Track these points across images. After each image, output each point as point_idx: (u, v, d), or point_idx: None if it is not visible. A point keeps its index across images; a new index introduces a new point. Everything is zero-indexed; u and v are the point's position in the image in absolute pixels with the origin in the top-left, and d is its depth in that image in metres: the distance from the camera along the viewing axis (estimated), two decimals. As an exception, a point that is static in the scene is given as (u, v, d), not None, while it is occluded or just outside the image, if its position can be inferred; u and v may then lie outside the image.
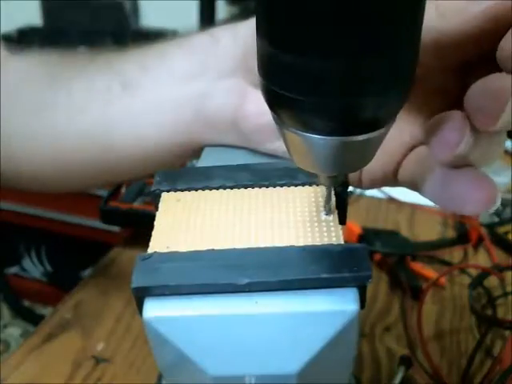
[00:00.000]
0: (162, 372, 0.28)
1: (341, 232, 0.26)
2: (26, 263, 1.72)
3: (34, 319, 1.62)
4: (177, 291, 0.24)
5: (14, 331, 1.64)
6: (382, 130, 0.22)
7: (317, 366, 0.25)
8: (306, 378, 0.25)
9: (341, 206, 0.29)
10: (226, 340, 0.24)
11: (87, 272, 1.38)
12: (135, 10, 1.74)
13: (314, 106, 0.20)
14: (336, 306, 0.24)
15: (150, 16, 1.75)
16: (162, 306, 0.24)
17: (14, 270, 1.72)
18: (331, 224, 0.27)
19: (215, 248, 0.26)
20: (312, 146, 0.22)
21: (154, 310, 0.24)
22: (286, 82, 0.20)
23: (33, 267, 1.71)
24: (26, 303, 1.70)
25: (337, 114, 0.20)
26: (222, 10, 1.57)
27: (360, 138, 0.21)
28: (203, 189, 0.30)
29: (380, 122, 0.21)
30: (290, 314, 0.24)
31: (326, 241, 0.26)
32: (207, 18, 1.34)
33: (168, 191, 0.30)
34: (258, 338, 0.24)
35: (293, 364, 0.24)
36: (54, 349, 0.54)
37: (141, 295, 0.25)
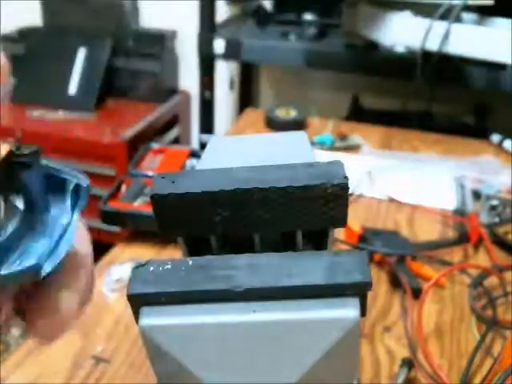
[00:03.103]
0: (159, 380, 0.28)
1: None
2: (26, 263, 1.72)
3: (34, 319, 1.62)
4: (173, 299, 0.24)
5: (13, 331, 1.64)
6: None
7: (317, 374, 0.24)
8: None
9: (341, 207, 0.29)
10: (222, 349, 0.24)
11: (87, 272, 1.37)
12: (135, 10, 1.74)
13: None
14: (336, 314, 0.23)
15: (150, 16, 1.75)
16: (158, 314, 0.24)
17: (14, 270, 1.72)
18: None
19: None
20: None
21: (151, 318, 0.24)
22: None
23: (33, 267, 1.71)
24: (26, 303, 1.70)
25: None
26: (221, 10, 1.57)
27: None
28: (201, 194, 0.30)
29: None
30: (289, 322, 0.23)
31: None
32: (207, 18, 1.34)
33: (165, 196, 0.29)
34: (256, 346, 0.24)
35: (292, 373, 0.24)
36: (54, 349, 0.54)
37: (137, 303, 0.24)
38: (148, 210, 0.67)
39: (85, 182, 0.23)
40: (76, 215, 0.23)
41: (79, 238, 0.24)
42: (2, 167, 0.22)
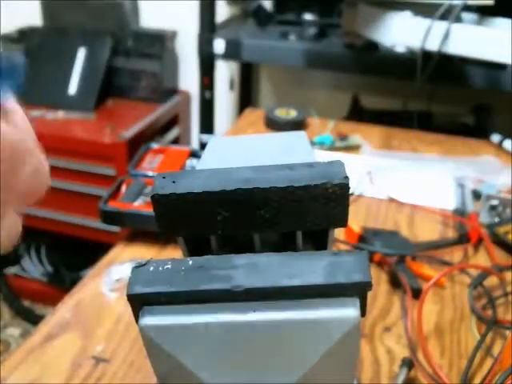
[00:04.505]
0: (159, 380, 0.28)
1: None
2: (26, 263, 1.72)
3: (34, 319, 1.62)
4: (173, 299, 0.24)
5: (14, 331, 1.64)
6: None
7: (318, 374, 0.24)
8: None
9: (342, 207, 0.28)
10: (223, 349, 0.24)
11: (87, 272, 1.38)
12: (135, 10, 1.74)
13: None
14: (336, 314, 0.23)
15: (150, 16, 1.75)
16: (158, 314, 0.24)
17: (14, 270, 1.72)
18: None
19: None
20: None
21: (151, 318, 0.24)
22: None
23: (33, 267, 1.71)
24: (26, 303, 1.70)
25: None
26: (221, 10, 1.57)
27: None
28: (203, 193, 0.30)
29: None
30: (289, 322, 0.23)
31: None
32: (207, 18, 1.34)
33: (167, 196, 0.29)
34: (256, 346, 0.24)
35: (292, 373, 0.24)
36: (54, 349, 0.54)
37: (137, 303, 0.24)
38: (148, 210, 0.67)
39: (20, 60, 0.21)
40: (7, 95, 0.21)
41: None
42: None
